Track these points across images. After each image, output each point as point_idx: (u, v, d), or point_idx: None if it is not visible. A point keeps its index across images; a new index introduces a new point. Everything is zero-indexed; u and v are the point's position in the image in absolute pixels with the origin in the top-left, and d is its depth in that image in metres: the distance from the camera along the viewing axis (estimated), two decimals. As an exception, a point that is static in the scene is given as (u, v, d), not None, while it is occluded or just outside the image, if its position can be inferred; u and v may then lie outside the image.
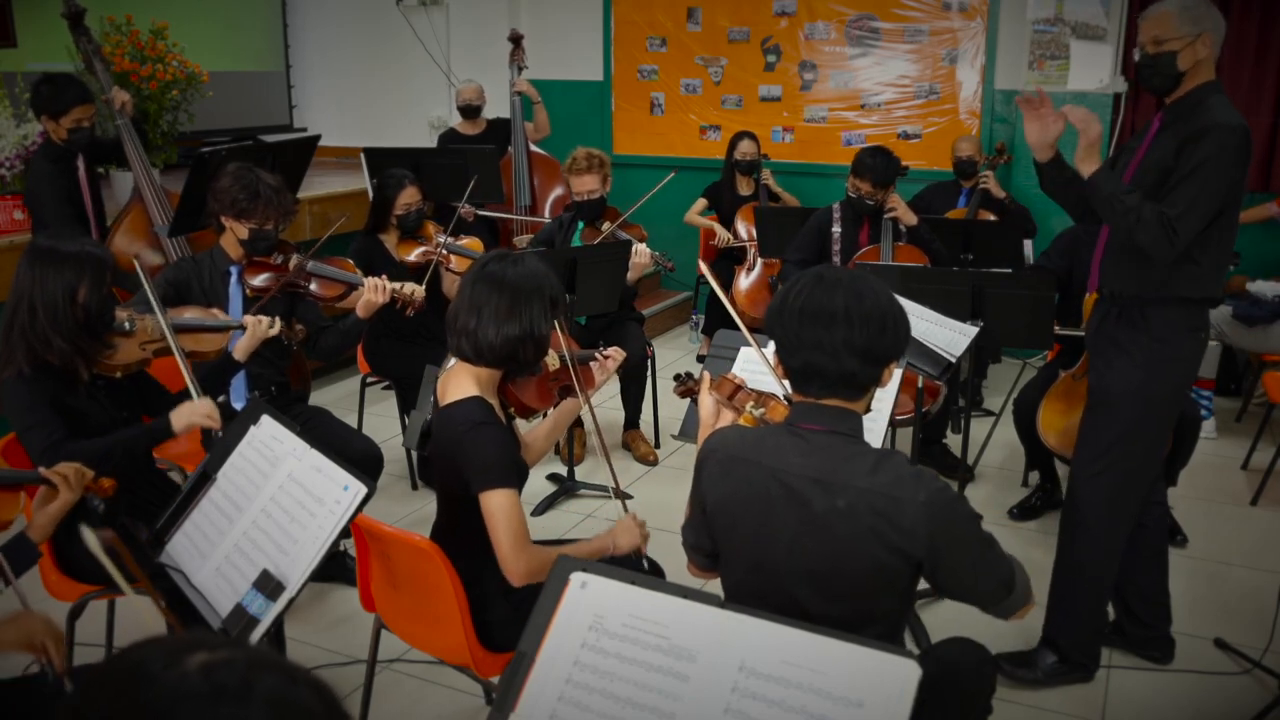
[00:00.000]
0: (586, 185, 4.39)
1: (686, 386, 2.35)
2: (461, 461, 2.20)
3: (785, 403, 2.01)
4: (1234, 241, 2.66)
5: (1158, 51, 2.57)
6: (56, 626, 1.93)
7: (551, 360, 2.64)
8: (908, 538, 1.68)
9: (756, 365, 2.65)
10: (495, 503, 2.17)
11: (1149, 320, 2.64)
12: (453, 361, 2.36)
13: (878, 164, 4.24)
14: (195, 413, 2.52)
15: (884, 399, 2.50)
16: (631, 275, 4.33)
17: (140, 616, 2.78)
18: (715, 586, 1.95)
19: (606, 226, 4.41)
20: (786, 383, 1.87)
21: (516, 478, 2.23)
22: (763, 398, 2.05)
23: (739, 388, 2.09)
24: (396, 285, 3.34)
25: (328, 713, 0.80)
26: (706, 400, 2.12)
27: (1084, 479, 2.77)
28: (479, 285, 2.25)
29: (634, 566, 2.36)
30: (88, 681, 0.80)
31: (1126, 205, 2.50)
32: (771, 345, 1.89)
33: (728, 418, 2.10)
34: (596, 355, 2.80)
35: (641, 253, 4.26)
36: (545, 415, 2.88)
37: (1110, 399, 2.71)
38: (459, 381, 2.29)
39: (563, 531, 3.80)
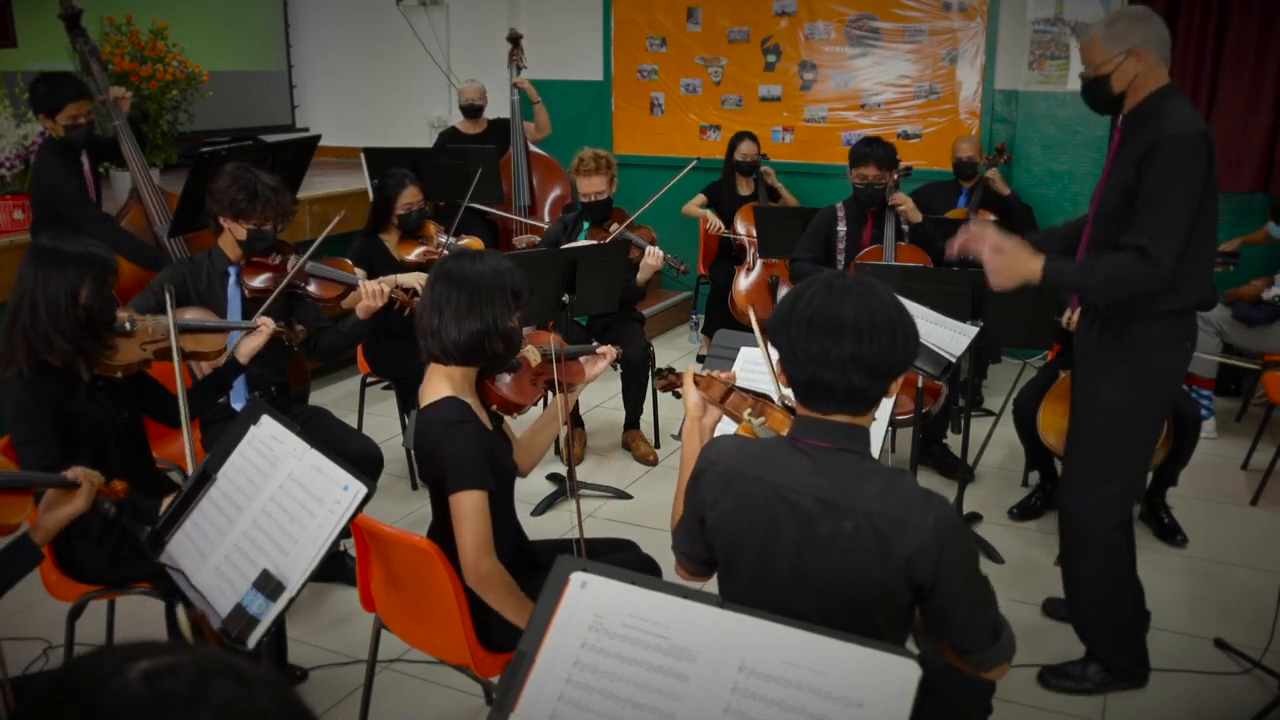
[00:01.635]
0: (594, 186, 4.39)
1: (668, 380, 2.34)
2: (440, 462, 2.20)
3: (783, 408, 1.97)
4: (1214, 246, 2.65)
5: (1094, 76, 2.61)
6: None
7: (533, 355, 2.63)
8: (913, 560, 1.64)
9: (755, 366, 2.64)
10: (462, 504, 2.17)
11: (1130, 336, 2.61)
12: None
13: (876, 149, 4.28)
14: None
15: (884, 401, 2.49)
16: (642, 276, 4.33)
17: (139, 617, 2.79)
18: (714, 586, 1.95)
19: (615, 228, 4.41)
20: (788, 391, 1.82)
21: (490, 479, 2.21)
22: (759, 404, 1.99)
23: (730, 390, 2.03)
24: (393, 286, 3.34)
25: (286, 717, 0.77)
26: (691, 394, 2.08)
27: (1073, 494, 2.75)
28: (439, 284, 2.25)
29: (634, 567, 2.36)
30: (40, 690, 0.78)
31: (1093, 282, 2.49)
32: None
33: (714, 414, 2.07)
34: (593, 349, 2.79)
35: (653, 254, 4.26)
36: (544, 407, 2.88)
37: (1095, 413, 2.68)
38: (434, 384, 2.29)
39: (563, 532, 3.80)
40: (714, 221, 5.72)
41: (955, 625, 1.72)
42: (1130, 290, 2.50)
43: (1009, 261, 2.53)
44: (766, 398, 2.03)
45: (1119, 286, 2.49)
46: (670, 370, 2.36)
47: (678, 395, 2.20)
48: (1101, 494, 2.70)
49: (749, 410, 1.98)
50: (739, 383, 2.10)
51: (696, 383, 2.09)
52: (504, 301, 2.25)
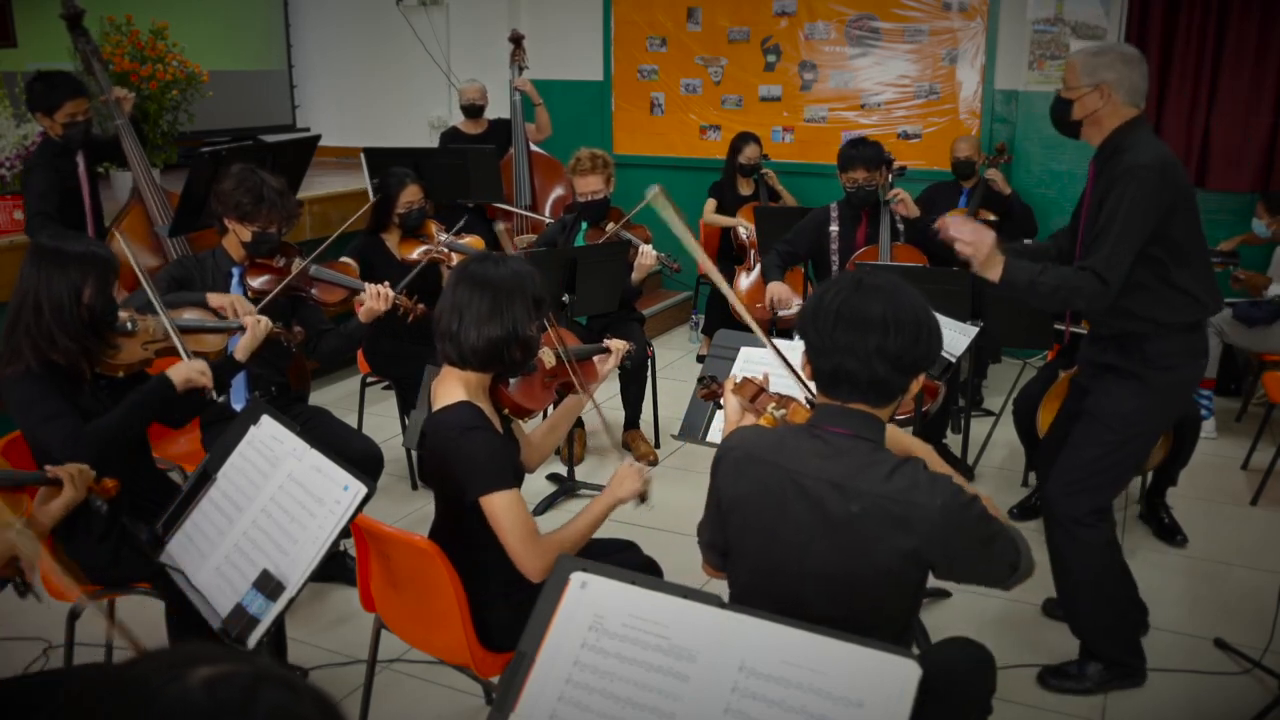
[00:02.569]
0: (590, 186, 4.39)
1: (710, 390, 2.35)
2: (454, 468, 2.19)
3: (807, 405, 2.02)
4: (1208, 258, 2.71)
5: (1064, 97, 2.68)
6: (29, 538, 1.90)
7: (547, 358, 2.62)
8: (923, 543, 1.68)
9: (759, 365, 2.65)
10: (497, 505, 2.16)
11: (1153, 351, 2.64)
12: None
13: (861, 150, 4.30)
14: (191, 369, 2.53)
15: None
16: (637, 276, 4.34)
17: (139, 617, 2.79)
18: (716, 586, 1.95)
19: (610, 227, 4.41)
20: (811, 384, 1.87)
21: (513, 478, 2.22)
22: (784, 400, 2.05)
23: (761, 390, 2.09)
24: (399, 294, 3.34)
25: None
26: (732, 402, 2.12)
27: (1059, 494, 2.75)
28: (461, 286, 2.23)
29: (634, 567, 2.36)
30: (87, 696, 0.79)
31: (1050, 285, 2.53)
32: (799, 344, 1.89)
33: (749, 420, 2.09)
34: (604, 347, 2.79)
35: (647, 254, 4.27)
36: (546, 414, 2.87)
37: (1104, 418, 2.70)
38: (448, 387, 2.26)
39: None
40: (747, 227, 5.69)
41: (972, 578, 1.82)
42: (1075, 305, 2.60)
43: (981, 255, 2.59)
44: (794, 398, 2.06)
45: (1067, 297, 2.56)
46: (713, 379, 2.37)
47: (719, 405, 2.23)
48: (1090, 492, 2.73)
49: (773, 404, 2.03)
50: (771, 387, 2.14)
51: (733, 388, 2.13)
52: (525, 307, 2.23)
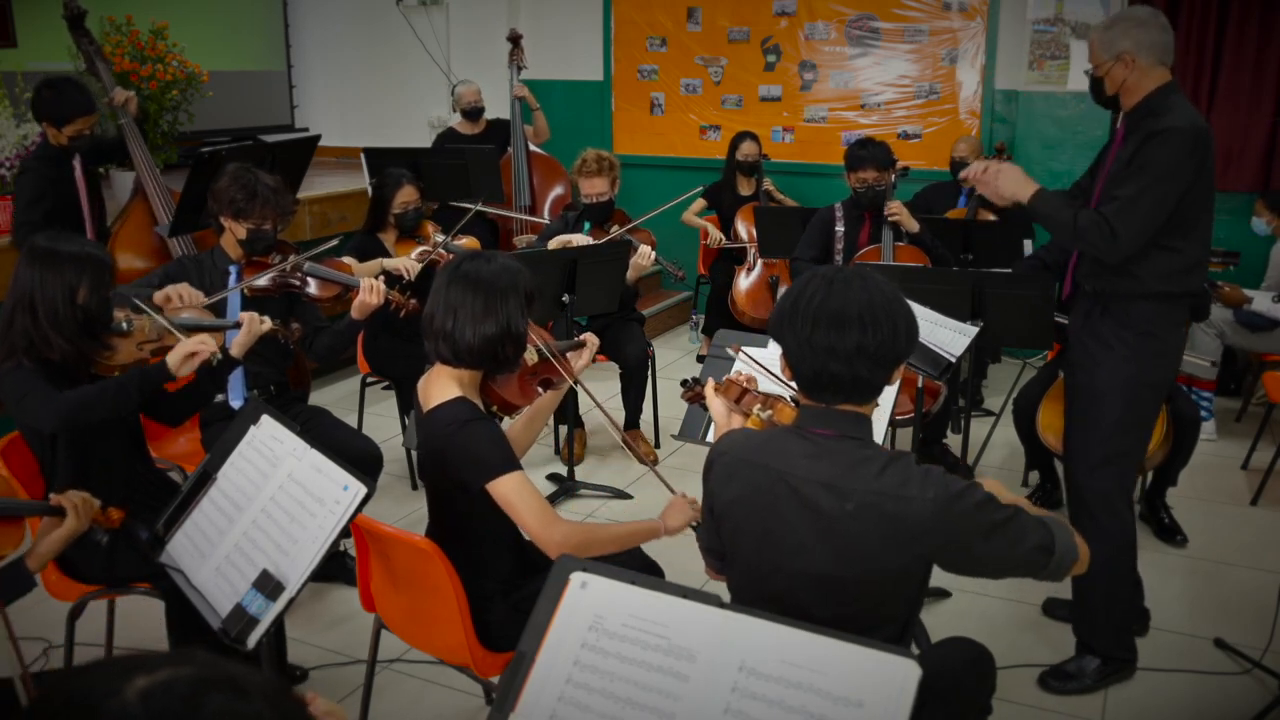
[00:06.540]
0: (596, 188, 4.38)
1: (694, 392, 2.35)
2: (455, 462, 2.19)
3: (792, 404, 2.00)
4: (1211, 237, 2.72)
5: (1093, 76, 2.71)
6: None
7: (530, 355, 2.63)
8: (919, 537, 1.67)
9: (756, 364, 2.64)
10: (507, 488, 2.16)
11: (1133, 315, 2.67)
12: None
13: (871, 150, 4.28)
14: (190, 343, 2.49)
15: (884, 398, 2.50)
16: (631, 275, 4.33)
17: (139, 617, 2.80)
18: (717, 586, 1.95)
19: (615, 230, 4.41)
20: (793, 384, 1.85)
21: (516, 461, 2.22)
22: (769, 400, 2.03)
23: (745, 390, 2.08)
24: (388, 278, 3.34)
25: None
26: (717, 404, 2.10)
27: (1085, 476, 2.78)
28: (453, 286, 2.23)
29: (634, 567, 2.35)
30: (38, 713, 0.77)
31: (1062, 220, 2.60)
32: (774, 347, 1.87)
33: (737, 421, 2.08)
34: (579, 342, 2.80)
35: (644, 253, 4.27)
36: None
37: (1101, 394, 2.73)
38: (441, 384, 2.27)
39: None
40: (715, 234, 5.72)
41: (999, 571, 1.76)
42: (1084, 247, 2.64)
43: (1008, 174, 2.68)
44: (779, 397, 2.05)
45: (1080, 238, 2.60)
46: (695, 381, 2.36)
47: (704, 407, 2.23)
48: (1110, 473, 2.75)
49: (759, 405, 2.02)
50: (756, 387, 2.12)
51: (715, 390, 2.11)
52: (518, 303, 2.24)
